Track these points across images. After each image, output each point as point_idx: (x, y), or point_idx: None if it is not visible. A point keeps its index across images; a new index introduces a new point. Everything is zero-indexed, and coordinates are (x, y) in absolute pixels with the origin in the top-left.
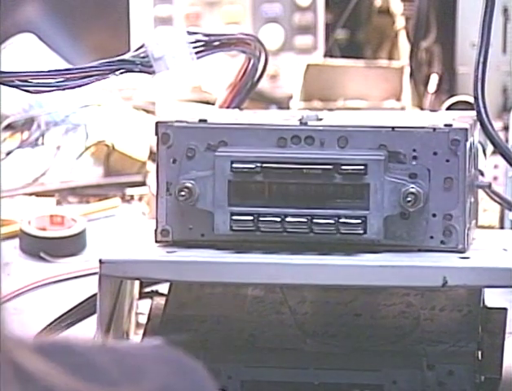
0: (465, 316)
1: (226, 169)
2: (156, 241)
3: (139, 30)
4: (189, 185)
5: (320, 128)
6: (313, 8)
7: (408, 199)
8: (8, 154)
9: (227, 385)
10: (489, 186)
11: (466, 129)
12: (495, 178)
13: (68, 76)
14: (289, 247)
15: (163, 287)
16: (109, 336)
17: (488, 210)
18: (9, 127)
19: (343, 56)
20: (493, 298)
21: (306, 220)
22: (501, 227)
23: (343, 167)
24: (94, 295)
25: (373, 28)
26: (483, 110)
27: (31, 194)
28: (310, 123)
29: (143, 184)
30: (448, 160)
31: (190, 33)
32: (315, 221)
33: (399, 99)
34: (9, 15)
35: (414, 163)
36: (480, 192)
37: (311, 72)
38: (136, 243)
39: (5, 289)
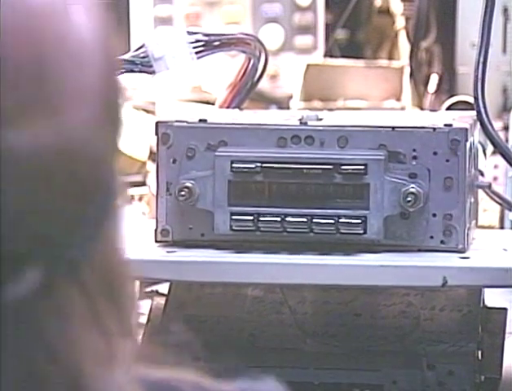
0: (465, 316)
1: (226, 168)
2: (156, 241)
3: (139, 30)
4: (189, 185)
5: (320, 128)
6: (313, 8)
7: (408, 199)
8: None
9: None
10: (489, 186)
11: (466, 129)
12: (495, 178)
13: None
14: (289, 247)
15: (163, 287)
16: None
17: (488, 210)
18: None
19: (343, 56)
20: (493, 298)
21: (306, 220)
22: (501, 227)
23: (343, 167)
24: None
25: (373, 28)
26: (483, 110)
27: None
28: (310, 123)
29: (143, 184)
30: (447, 160)
31: (190, 33)
32: (315, 221)
33: (399, 99)
34: None
35: (414, 163)
36: (480, 192)
37: (311, 72)
38: (136, 242)
39: None
